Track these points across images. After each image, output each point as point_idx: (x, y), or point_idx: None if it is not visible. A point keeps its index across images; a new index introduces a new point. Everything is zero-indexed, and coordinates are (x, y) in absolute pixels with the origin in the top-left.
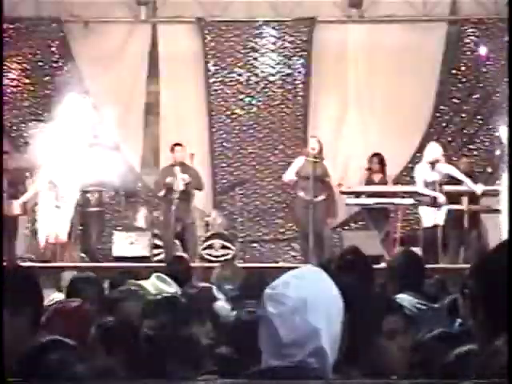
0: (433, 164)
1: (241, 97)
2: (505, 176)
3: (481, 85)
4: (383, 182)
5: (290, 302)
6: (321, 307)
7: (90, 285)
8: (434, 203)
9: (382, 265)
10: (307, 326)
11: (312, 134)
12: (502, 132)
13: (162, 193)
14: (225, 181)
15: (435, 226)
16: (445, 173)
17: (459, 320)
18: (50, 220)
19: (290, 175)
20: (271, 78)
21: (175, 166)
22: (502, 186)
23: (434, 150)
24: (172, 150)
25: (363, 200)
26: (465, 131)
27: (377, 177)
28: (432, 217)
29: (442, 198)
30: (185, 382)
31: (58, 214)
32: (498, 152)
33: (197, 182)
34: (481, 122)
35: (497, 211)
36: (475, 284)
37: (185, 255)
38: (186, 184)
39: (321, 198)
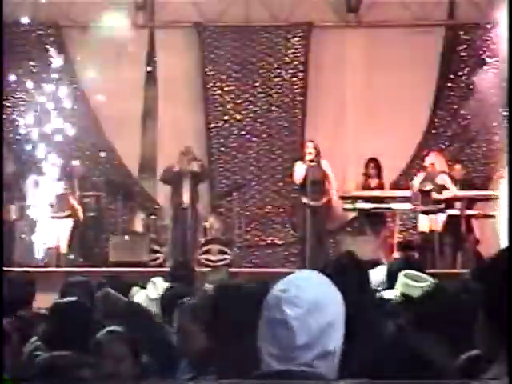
0: (431, 173)
1: (238, 101)
2: (503, 180)
3: (478, 89)
4: (380, 187)
5: (306, 304)
6: (330, 308)
7: (80, 289)
8: (428, 210)
9: (380, 267)
10: (320, 328)
11: (309, 139)
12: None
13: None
14: (222, 185)
15: (432, 231)
16: (440, 183)
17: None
18: (49, 229)
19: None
20: (269, 83)
21: (184, 176)
22: (500, 190)
23: (432, 160)
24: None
25: (361, 205)
26: (462, 136)
27: (373, 182)
28: (429, 222)
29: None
30: (185, 382)
31: (56, 224)
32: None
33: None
34: (478, 126)
35: (493, 216)
36: (478, 287)
37: (189, 260)
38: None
39: (319, 202)
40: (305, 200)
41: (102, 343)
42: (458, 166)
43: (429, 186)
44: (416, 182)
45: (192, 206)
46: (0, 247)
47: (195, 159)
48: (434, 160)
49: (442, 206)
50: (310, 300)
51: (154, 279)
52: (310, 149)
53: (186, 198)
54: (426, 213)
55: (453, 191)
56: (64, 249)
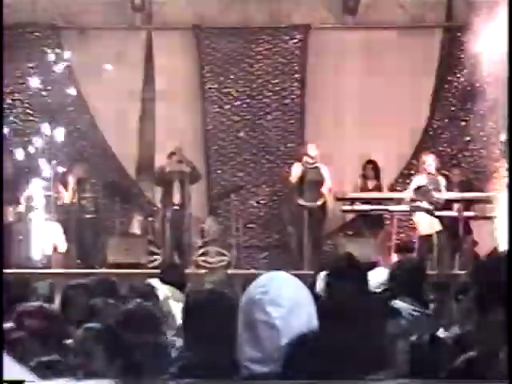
0: (428, 175)
1: (236, 103)
2: (502, 182)
3: (476, 91)
4: (377, 189)
5: (287, 303)
6: (306, 306)
7: (81, 292)
8: (428, 211)
9: (378, 269)
10: (300, 326)
11: (308, 141)
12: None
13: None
14: (220, 187)
15: (430, 233)
16: (438, 183)
17: (453, 325)
18: (46, 231)
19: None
20: (266, 85)
21: (174, 176)
22: (498, 192)
23: (429, 161)
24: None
25: (359, 207)
26: (460, 137)
27: (371, 183)
28: (427, 224)
29: (433, 207)
30: (184, 381)
31: (51, 226)
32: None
33: (197, 175)
34: (476, 128)
35: (491, 218)
36: (482, 284)
37: (178, 262)
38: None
39: (316, 203)
40: (301, 201)
41: (78, 340)
42: (456, 168)
43: (427, 187)
44: (415, 182)
45: (184, 207)
46: (0, 248)
47: (185, 159)
48: (430, 162)
49: (439, 206)
50: (291, 299)
51: (150, 280)
52: (311, 150)
53: (176, 198)
54: (426, 211)
55: (445, 194)
56: (62, 250)
